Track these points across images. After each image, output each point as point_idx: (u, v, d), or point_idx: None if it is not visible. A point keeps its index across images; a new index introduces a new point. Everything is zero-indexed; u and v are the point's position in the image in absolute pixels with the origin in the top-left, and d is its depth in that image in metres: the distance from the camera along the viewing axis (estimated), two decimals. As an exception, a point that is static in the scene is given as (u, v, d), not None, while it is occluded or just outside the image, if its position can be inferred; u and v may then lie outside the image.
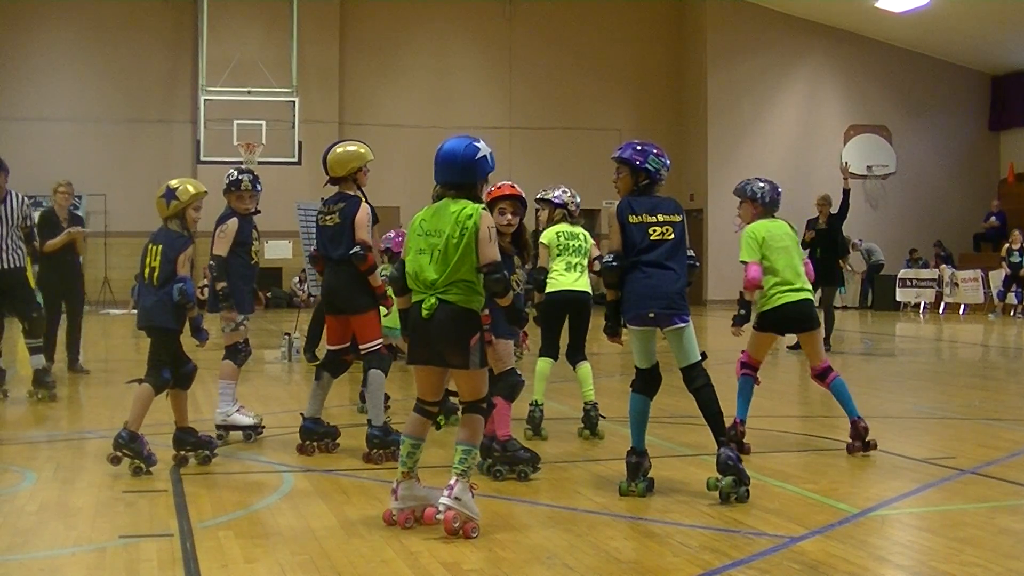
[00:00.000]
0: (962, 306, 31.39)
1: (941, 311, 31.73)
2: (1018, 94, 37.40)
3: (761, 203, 9.40)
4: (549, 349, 10.02)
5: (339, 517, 6.83)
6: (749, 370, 9.33)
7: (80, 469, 8.45)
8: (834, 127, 37.16)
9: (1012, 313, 29.56)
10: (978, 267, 31.72)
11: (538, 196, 10.35)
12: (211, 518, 6.83)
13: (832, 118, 37.19)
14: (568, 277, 9.87)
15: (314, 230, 9.58)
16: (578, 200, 10.31)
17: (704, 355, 7.48)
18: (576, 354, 10.09)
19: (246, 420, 9.68)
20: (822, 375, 9.32)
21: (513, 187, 8.20)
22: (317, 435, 9.10)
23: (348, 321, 9.04)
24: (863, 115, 37.36)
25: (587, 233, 10.22)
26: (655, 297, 7.30)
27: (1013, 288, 29.64)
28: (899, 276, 33.35)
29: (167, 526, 6.62)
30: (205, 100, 31.11)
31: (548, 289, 9.87)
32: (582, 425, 10.03)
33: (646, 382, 7.53)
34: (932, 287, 32.25)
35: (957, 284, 31.59)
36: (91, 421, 11.22)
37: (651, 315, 7.30)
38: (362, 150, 9.20)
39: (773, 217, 9.42)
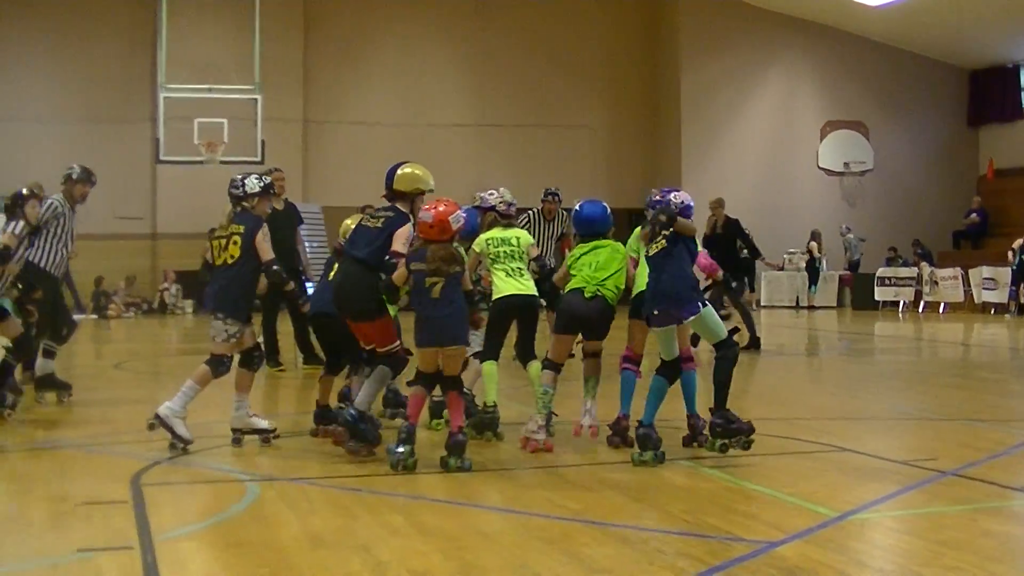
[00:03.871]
0: (942, 305, 31.48)
1: (920, 310, 31.83)
2: (997, 89, 37.66)
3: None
4: (492, 352, 10.08)
5: (305, 527, 6.78)
6: (630, 364, 9.62)
7: (35, 480, 8.38)
8: (810, 123, 37.31)
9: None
10: (958, 265, 31.82)
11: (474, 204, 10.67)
12: (173, 529, 6.77)
13: (808, 114, 37.33)
14: (510, 283, 9.88)
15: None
16: (508, 200, 10.47)
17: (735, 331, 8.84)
18: (527, 355, 10.16)
19: (262, 424, 9.79)
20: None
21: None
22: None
23: (360, 328, 9.22)
24: (840, 111, 37.51)
25: (523, 235, 10.18)
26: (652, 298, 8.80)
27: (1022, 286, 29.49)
28: (877, 274, 33.43)
29: (127, 538, 6.54)
30: (165, 98, 30.86)
31: (493, 296, 9.96)
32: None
33: (669, 370, 8.97)
34: (911, 285, 32.34)
35: (937, 282, 31.68)
36: (46, 431, 11.10)
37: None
38: (428, 177, 9.39)
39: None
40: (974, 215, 36.08)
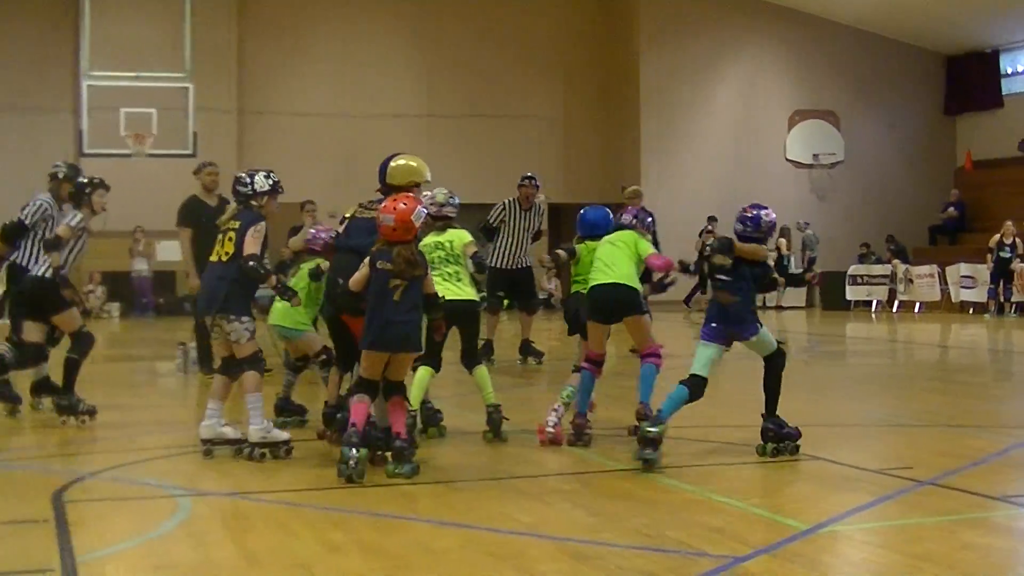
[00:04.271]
0: (917, 304, 31.68)
1: (895, 310, 32.01)
2: (975, 75, 37.83)
3: None
4: (431, 358, 10.19)
5: (240, 546, 6.75)
6: (589, 364, 10.22)
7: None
8: (778, 113, 37.42)
9: (1005, 312, 29.58)
10: (934, 262, 32.00)
11: None
12: (97, 550, 6.71)
13: (776, 104, 37.44)
14: (447, 288, 10.06)
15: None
16: (441, 201, 10.68)
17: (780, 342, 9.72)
18: (470, 360, 10.49)
19: (234, 434, 9.73)
20: (641, 357, 10.40)
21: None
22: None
23: (360, 323, 9.17)
24: (809, 100, 37.65)
25: (459, 235, 10.48)
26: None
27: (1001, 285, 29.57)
28: (849, 272, 33.56)
29: (47, 561, 6.48)
30: (88, 86, 30.65)
31: None
32: (487, 429, 10.34)
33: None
34: (885, 284, 32.52)
35: (912, 280, 31.86)
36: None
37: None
38: (424, 168, 9.76)
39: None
40: (951, 209, 36.29)
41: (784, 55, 37.46)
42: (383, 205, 8.92)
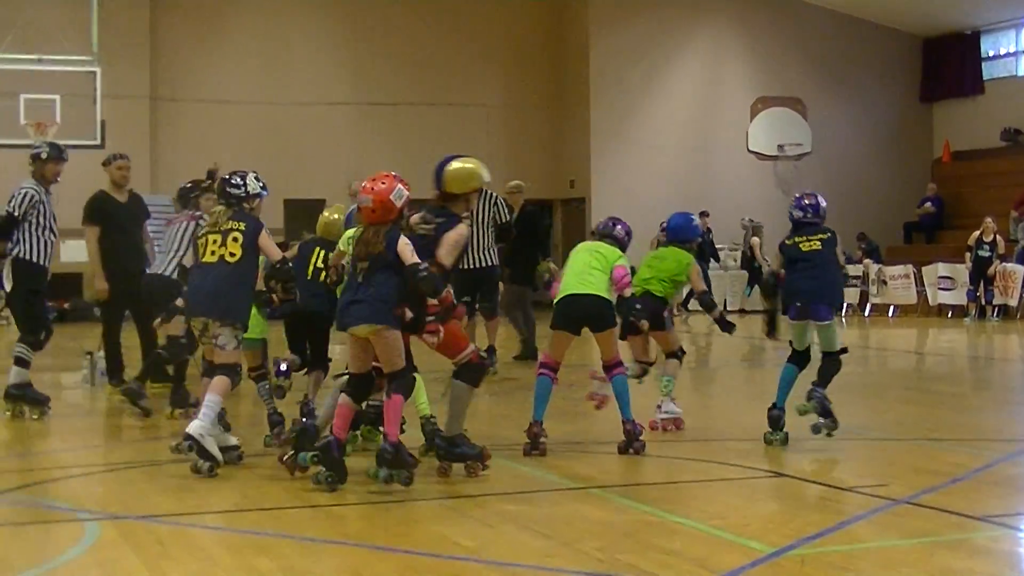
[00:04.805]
0: (891, 307, 31.83)
1: (867, 314, 32.15)
2: (954, 59, 37.86)
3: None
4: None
5: (154, 572, 6.72)
6: (547, 370, 10.64)
7: None
8: (740, 100, 37.45)
9: (987, 315, 29.63)
10: (909, 262, 32.11)
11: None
12: (-4, 578, 6.69)
13: (737, 90, 37.49)
14: None
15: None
16: None
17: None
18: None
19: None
20: (606, 368, 10.69)
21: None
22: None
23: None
24: (774, 86, 37.71)
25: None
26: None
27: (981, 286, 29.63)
28: (817, 274, 33.55)
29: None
30: (-16, 69, 30.43)
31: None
32: (423, 443, 10.20)
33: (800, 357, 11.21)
34: (856, 286, 32.58)
35: (885, 282, 31.99)
36: None
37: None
38: (481, 169, 9.88)
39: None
40: (928, 204, 36.41)
41: (746, 37, 37.52)
42: (363, 186, 9.10)
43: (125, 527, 7.95)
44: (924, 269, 31.26)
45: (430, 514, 8.25)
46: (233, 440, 10.04)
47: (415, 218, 9.51)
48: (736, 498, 8.80)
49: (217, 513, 8.24)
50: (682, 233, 12.18)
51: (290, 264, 9.95)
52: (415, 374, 9.42)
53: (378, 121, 35.50)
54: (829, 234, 11.00)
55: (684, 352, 12.24)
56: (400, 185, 9.05)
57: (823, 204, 11.12)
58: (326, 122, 34.53)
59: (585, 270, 10.55)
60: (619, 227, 11.06)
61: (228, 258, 9.75)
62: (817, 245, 10.90)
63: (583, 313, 10.50)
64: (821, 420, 10.90)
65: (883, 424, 12.73)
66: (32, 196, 12.93)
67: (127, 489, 9.19)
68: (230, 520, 8.04)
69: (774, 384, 10.84)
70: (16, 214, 12.78)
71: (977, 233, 29.55)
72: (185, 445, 9.42)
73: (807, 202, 11.10)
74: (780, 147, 37.39)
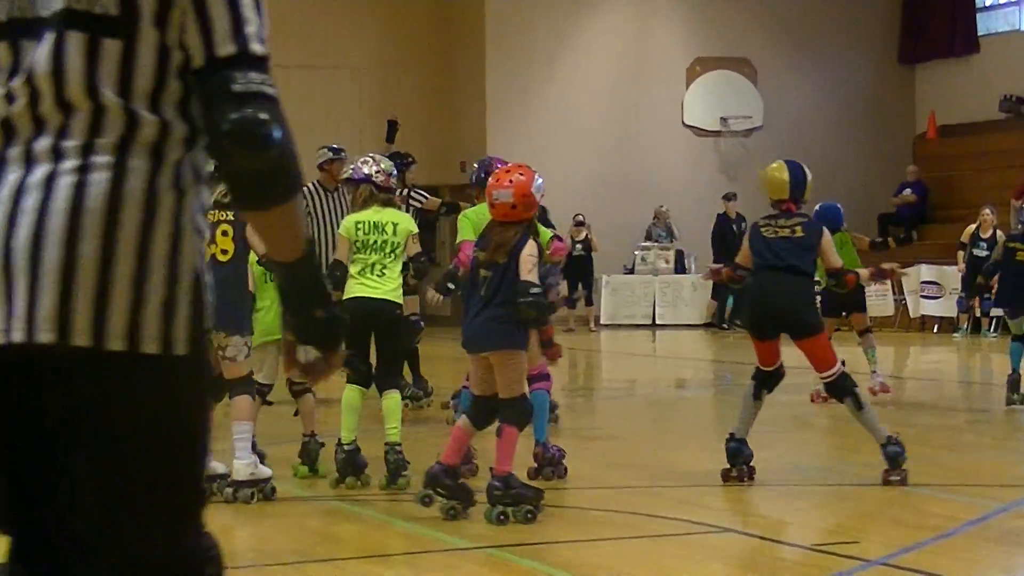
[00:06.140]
0: (863, 320, 31.95)
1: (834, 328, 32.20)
2: (941, 11, 37.99)
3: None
4: (352, 373, 10.79)
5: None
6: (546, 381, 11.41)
7: None
8: (673, 63, 37.58)
9: (982, 329, 29.79)
10: (885, 262, 32.14)
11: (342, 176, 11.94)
12: None
13: (671, 49, 37.63)
14: (362, 282, 10.64)
15: None
16: (388, 169, 11.24)
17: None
18: (385, 380, 10.96)
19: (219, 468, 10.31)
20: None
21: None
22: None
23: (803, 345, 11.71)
24: (716, 45, 37.88)
25: (403, 220, 11.07)
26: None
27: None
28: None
29: None
30: None
31: (345, 295, 10.71)
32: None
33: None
34: (817, 294, 32.63)
35: (854, 289, 32.07)
36: None
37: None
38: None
39: None
40: (908, 191, 36.54)
41: (682, -18, 37.75)
42: (495, 176, 9.76)
43: None
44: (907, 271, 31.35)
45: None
46: (267, 471, 10.38)
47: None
48: (671, 558, 8.83)
49: None
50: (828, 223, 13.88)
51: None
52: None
53: (239, 86, 35.26)
54: None
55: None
56: (538, 176, 9.69)
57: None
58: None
59: None
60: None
61: (220, 256, 10.06)
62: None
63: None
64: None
65: (854, 466, 12.71)
66: None
67: None
68: None
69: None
70: None
71: (972, 227, 29.40)
72: (244, 494, 10.09)
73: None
74: (724, 120, 37.43)
